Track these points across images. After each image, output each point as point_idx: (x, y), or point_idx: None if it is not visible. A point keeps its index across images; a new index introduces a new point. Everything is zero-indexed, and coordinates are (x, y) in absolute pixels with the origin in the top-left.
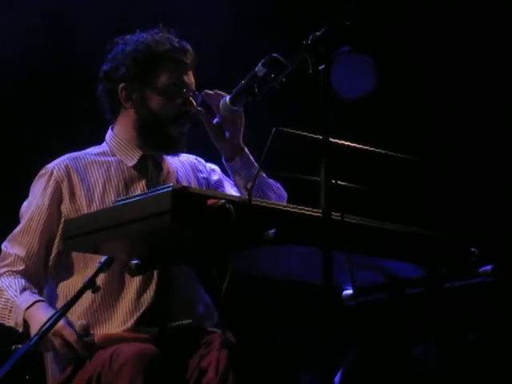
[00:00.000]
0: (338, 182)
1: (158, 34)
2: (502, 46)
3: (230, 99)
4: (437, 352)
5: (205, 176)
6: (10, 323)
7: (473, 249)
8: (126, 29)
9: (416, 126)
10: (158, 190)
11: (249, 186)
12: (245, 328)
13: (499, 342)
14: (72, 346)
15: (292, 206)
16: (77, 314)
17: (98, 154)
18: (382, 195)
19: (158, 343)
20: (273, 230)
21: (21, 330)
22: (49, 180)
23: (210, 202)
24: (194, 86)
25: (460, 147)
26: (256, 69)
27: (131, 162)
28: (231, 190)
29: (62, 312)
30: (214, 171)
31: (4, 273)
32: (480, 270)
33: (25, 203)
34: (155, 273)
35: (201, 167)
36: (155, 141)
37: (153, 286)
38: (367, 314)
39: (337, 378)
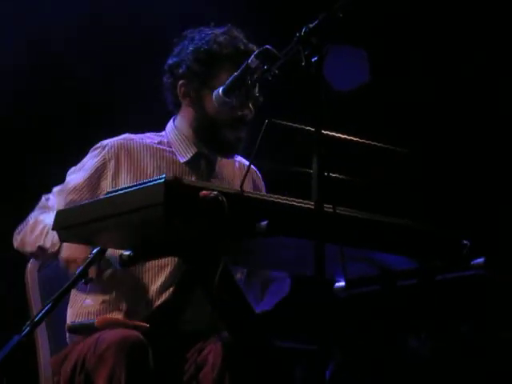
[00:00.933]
0: (330, 174)
1: (224, 34)
2: (499, 35)
3: (223, 91)
4: (429, 345)
5: (259, 187)
6: (45, 245)
7: (465, 241)
8: (120, 29)
9: (408, 118)
10: (151, 181)
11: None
12: (240, 325)
13: (491, 335)
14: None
15: (284, 197)
16: (99, 300)
17: (155, 142)
18: (374, 187)
19: (157, 337)
20: (265, 222)
21: (54, 249)
22: (98, 155)
23: (203, 193)
24: (256, 91)
25: (452, 140)
26: (249, 61)
27: (183, 158)
28: None
29: (54, 303)
30: (259, 179)
31: (42, 212)
32: (472, 263)
33: (73, 167)
34: (179, 271)
35: (258, 181)
36: (210, 142)
37: (173, 284)
38: (359, 306)
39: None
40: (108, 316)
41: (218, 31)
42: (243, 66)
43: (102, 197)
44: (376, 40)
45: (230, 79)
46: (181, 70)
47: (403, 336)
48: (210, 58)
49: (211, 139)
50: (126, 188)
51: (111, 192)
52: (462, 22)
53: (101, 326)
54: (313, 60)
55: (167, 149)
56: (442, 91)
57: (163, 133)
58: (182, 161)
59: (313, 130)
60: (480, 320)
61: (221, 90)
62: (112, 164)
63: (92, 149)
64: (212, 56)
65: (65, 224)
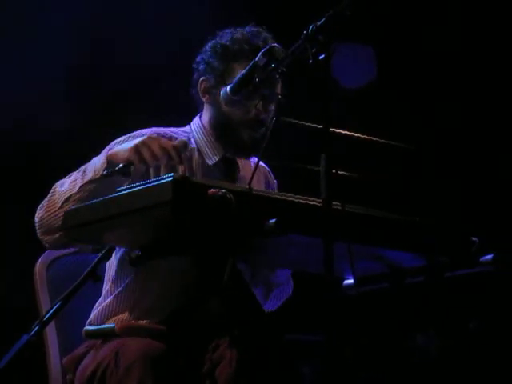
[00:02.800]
0: (339, 171)
1: (243, 31)
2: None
3: (231, 89)
4: (437, 342)
5: (271, 184)
6: (86, 179)
7: (473, 238)
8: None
9: (416, 114)
10: (160, 179)
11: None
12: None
13: (499, 332)
14: (168, 151)
15: (293, 195)
16: (118, 298)
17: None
18: (382, 184)
19: (171, 339)
20: (273, 220)
21: (103, 169)
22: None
23: (211, 191)
24: (277, 89)
25: (462, 135)
26: (256, 59)
27: (211, 161)
28: None
29: (63, 302)
30: (275, 185)
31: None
32: (481, 260)
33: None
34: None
35: (270, 180)
36: (227, 142)
37: (193, 284)
38: (367, 304)
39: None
40: (128, 322)
41: (239, 29)
42: (250, 65)
43: (110, 195)
44: (382, 36)
45: (237, 78)
46: (201, 67)
47: (411, 334)
48: (225, 53)
49: (227, 138)
50: (134, 186)
51: (121, 190)
52: (468, 18)
53: (121, 331)
54: (320, 58)
55: (196, 149)
56: (452, 85)
57: (188, 128)
58: (209, 163)
59: (320, 127)
60: (488, 317)
61: (228, 88)
62: None
63: (124, 137)
64: (227, 51)
65: (73, 223)
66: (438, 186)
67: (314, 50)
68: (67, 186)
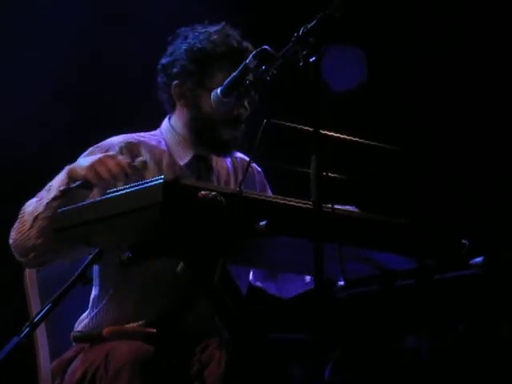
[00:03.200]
0: (329, 173)
1: (218, 32)
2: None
3: (222, 91)
4: (428, 344)
5: (255, 180)
6: (50, 196)
7: (463, 241)
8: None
9: (407, 117)
10: (150, 181)
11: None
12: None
13: (489, 334)
14: (124, 168)
15: (283, 197)
16: (103, 310)
17: (154, 144)
18: (373, 187)
19: (160, 341)
20: (264, 222)
21: (63, 185)
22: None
23: (201, 194)
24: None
25: (451, 138)
26: (247, 61)
27: (183, 161)
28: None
29: (53, 304)
30: (259, 174)
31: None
32: (471, 262)
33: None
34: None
35: (255, 172)
36: (206, 142)
37: (182, 286)
38: (358, 306)
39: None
40: (116, 326)
41: (211, 29)
42: (241, 67)
43: (100, 197)
44: (372, 39)
45: (228, 80)
46: (175, 70)
47: (402, 335)
48: (204, 57)
49: (208, 139)
50: (124, 188)
51: (110, 192)
52: (460, 19)
53: (108, 335)
54: (311, 60)
55: (166, 151)
56: (441, 87)
57: (158, 132)
58: (181, 163)
59: (311, 129)
60: (478, 319)
61: (219, 90)
62: None
63: (90, 151)
64: (206, 55)
65: (63, 225)
66: (429, 188)
67: (304, 53)
68: (34, 205)
